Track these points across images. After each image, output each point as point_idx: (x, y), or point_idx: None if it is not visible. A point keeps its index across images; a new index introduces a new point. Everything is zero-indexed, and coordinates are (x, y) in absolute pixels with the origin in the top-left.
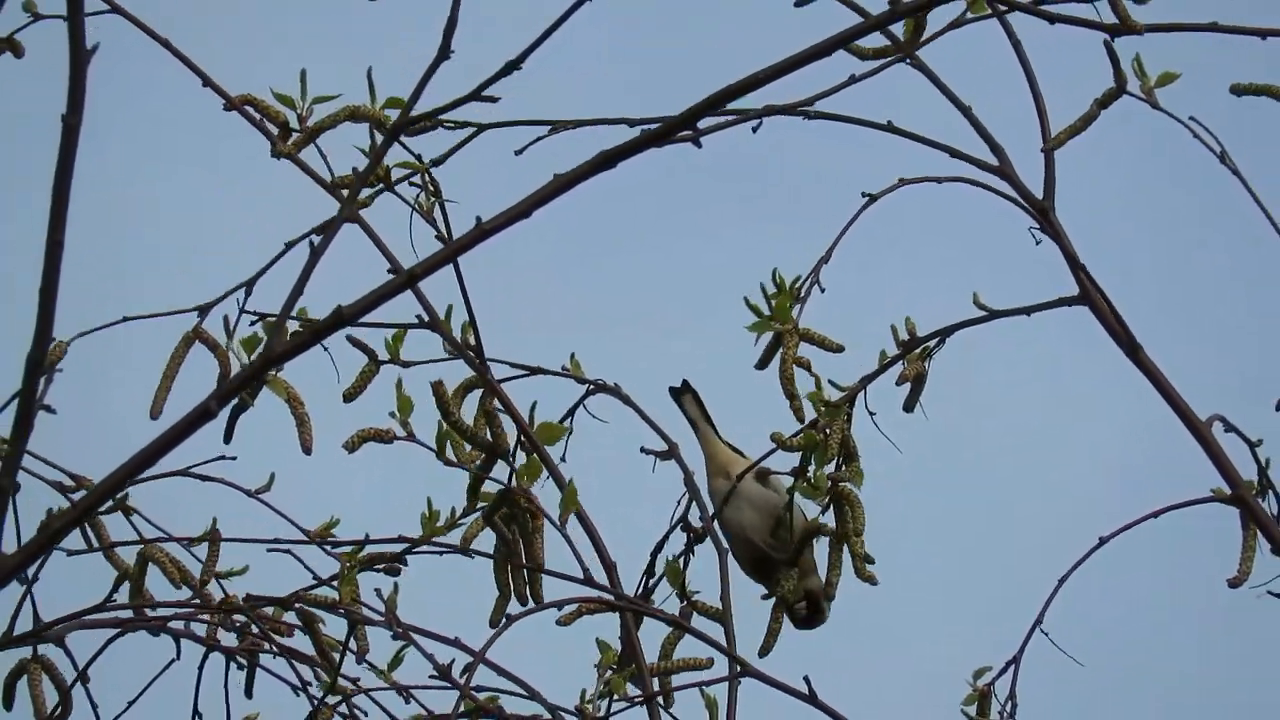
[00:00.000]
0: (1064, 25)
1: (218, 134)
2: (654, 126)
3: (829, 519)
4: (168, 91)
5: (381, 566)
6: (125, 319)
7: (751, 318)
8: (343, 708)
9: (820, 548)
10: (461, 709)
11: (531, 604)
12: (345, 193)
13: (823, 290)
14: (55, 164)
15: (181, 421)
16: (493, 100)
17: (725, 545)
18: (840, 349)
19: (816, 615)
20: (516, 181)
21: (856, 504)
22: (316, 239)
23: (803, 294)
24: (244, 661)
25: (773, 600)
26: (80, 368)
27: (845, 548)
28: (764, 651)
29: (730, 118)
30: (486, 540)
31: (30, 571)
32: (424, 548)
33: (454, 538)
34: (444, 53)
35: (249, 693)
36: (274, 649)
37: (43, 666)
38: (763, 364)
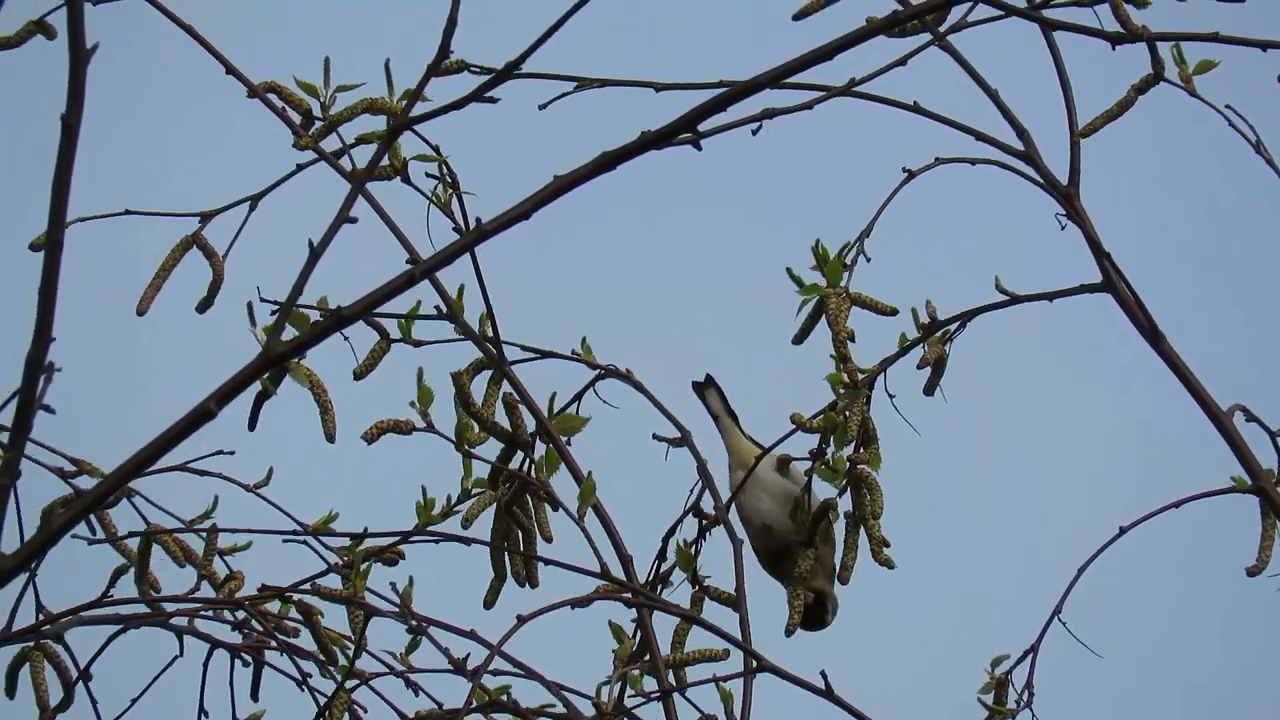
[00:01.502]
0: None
1: (237, 124)
2: (662, 124)
3: (846, 502)
4: (189, 79)
5: (379, 558)
6: (127, 211)
7: (770, 300)
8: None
9: (838, 541)
10: (474, 703)
11: (528, 586)
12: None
13: (869, 260)
14: (55, 163)
15: (180, 421)
16: (493, 101)
17: (741, 536)
18: (894, 311)
19: (820, 612)
20: (522, 172)
21: (875, 487)
22: (329, 226)
23: (849, 262)
24: (249, 659)
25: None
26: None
27: (862, 530)
28: (790, 630)
29: (730, 119)
30: (483, 526)
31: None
32: (419, 537)
33: (452, 524)
34: (443, 52)
35: (255, 695)
36: (278, 646)
37: (45, 654)
38: (800, 338)
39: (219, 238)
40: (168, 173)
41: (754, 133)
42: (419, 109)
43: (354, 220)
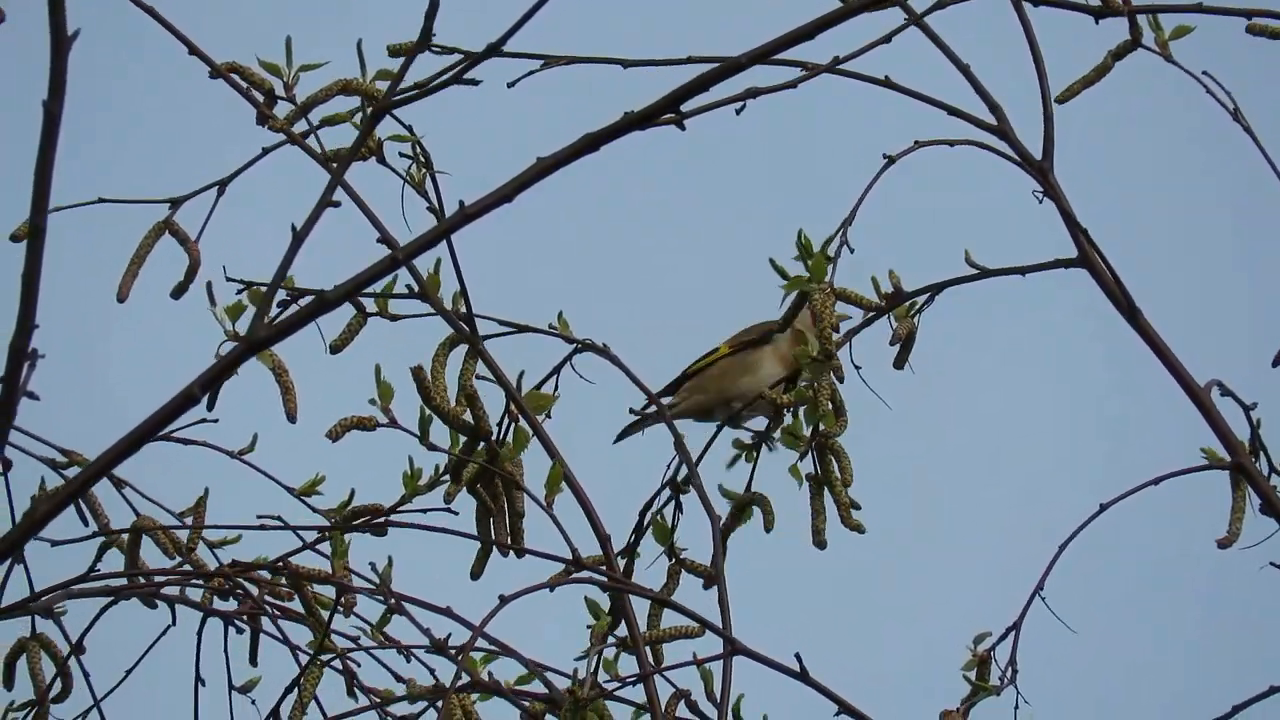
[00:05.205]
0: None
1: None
2: (645, 104)
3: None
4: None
5: (367, 527)
6: (100, 200)
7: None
8: (337, 663)
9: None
10: (460, 682)
11: (513, 554)
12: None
13: (852, 251)
14: (36, 151)
15: (165, 407)
16: (474, 83)
17: (719, 513)
18: (875, 306)
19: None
20: (504, 152)
21: (842, 454)
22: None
23: (833, 254)
24: (243, 626)
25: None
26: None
27: (828, 495)
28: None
29: (713, 99)
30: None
31: None
32: (407, 508)
33: (437, 496)
34: (425, 38)
35: (254, 660)
36: (272, 612)
37: (40, 644)
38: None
39: (191, 222)
40: (137, 157)
41: (738, 112)
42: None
43: (337, 204)
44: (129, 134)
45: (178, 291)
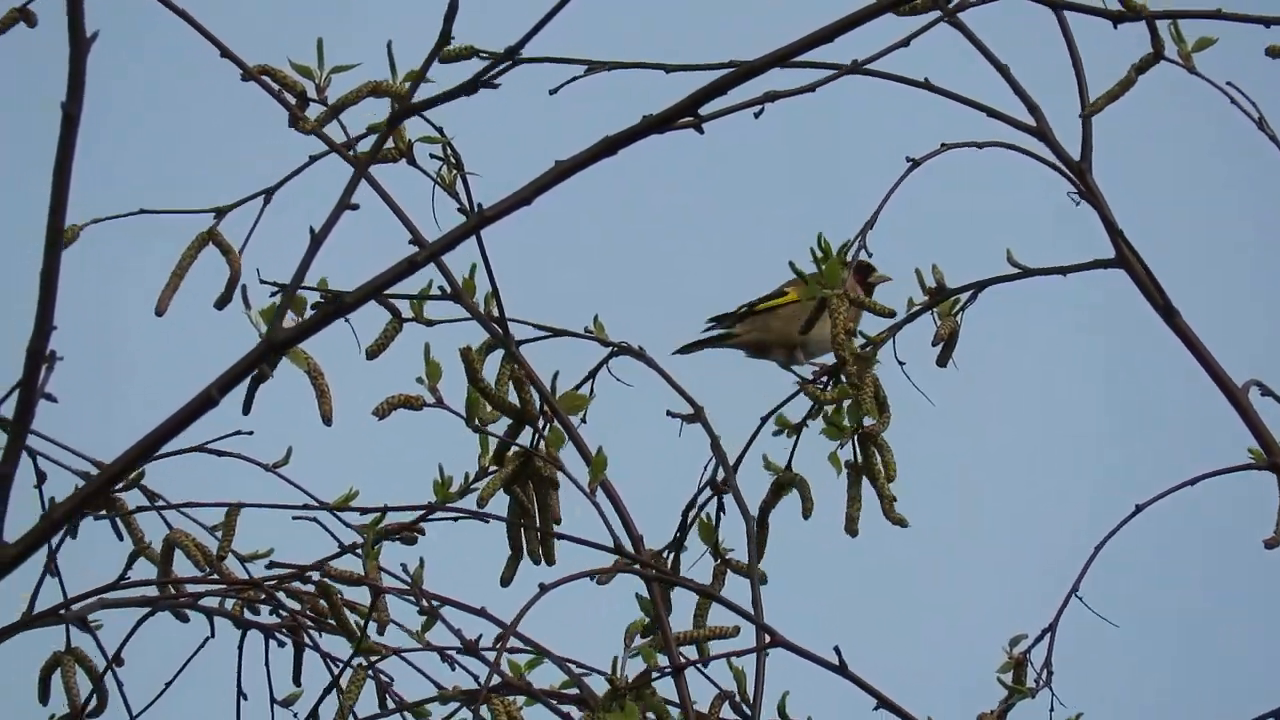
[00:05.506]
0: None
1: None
2: (665, 107)
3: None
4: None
5: (399, 535)
6: (142, 210)
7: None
8: (371, 672)
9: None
10: (492, 682)
11: (544, 563)
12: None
13: (870, 255)
14: (55, 153)
15: (184, 409)
16: (493, 87)
17: (752, 513)
18: (891, 313)
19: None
20: (535, 153)
21: (885, 447)
22: (340, 204)
23: (850, 259)
24: (284, 640)
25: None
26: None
27: (868, 484)
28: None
29: (732, 103)
30: (501, 501)
31: (54, 543)
32: (439, 514)
33: (469, 502)
34: (444, 40)
35: (297, 679)
36: (315, 625)
37: (75, 658)
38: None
39: (229, 230)
40: (173, 166)
41: (756, 115)
42: (423, 92)
43: (355, 206)
44: (132, 134)
45: (221, 303)
